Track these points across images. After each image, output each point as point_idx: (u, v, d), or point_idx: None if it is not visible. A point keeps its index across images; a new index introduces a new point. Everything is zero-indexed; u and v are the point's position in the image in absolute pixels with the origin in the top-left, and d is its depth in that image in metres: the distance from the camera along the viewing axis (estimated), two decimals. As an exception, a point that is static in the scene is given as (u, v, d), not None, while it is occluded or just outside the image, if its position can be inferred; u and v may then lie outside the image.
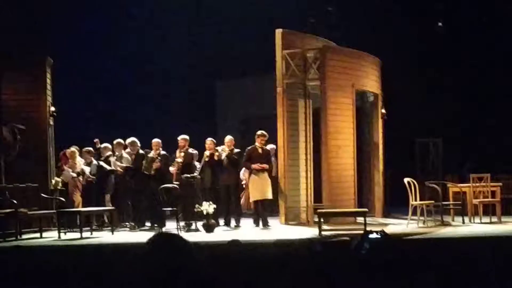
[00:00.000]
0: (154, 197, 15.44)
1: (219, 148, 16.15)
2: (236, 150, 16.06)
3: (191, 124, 19.12)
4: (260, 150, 15.75)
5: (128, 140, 16.38)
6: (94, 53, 21.34)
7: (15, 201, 14.50)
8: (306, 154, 16.49)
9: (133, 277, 2.94)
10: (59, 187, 16.26)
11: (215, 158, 15.95)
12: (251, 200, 15.82)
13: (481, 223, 15.45)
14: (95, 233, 14.81)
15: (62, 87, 17.85)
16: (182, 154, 16.07)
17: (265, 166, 15.70)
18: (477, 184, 16.13)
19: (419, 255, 6.56)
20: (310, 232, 13.88)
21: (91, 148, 16.75)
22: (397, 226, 15.26)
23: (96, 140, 17.08)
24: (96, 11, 21.52)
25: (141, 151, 16.26)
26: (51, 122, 16.89)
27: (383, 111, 18.06)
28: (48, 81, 16.97)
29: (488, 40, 21.98)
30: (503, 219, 15.65)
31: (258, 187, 15.65)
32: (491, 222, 15.44)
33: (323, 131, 16.03)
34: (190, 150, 16.21)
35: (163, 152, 16.06)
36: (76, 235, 14.32)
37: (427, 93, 22.28)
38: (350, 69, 16.76)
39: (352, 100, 16.61)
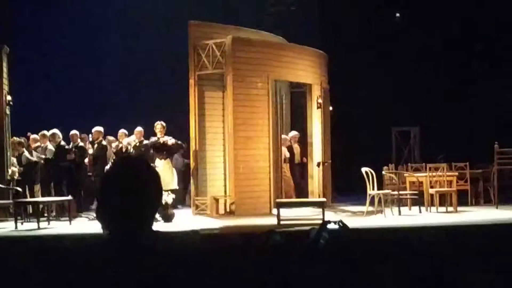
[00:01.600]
0: (72, 187, 16.01)
1: (125, 140, 16.24)
2: (145, 142, 16.04)
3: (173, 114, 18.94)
4: (161, 140, 15.64)
5: (49, 132, 16.61)
6: (59, 40, 21.25)
7: (-29, 191, 14.33)
8: (224, 145, 16.56)
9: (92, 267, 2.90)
10: (15, 177, 16.11)
11: (123, 150, 16.02)
12: None
13: (438, 212, 15.63)
14: (52, 223, 14.70)
15: (19, 75, 17.71)
16: (95, 146, 16.34)
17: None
18: (434, 174, 16.32)
19: (376, 245, 6.65)
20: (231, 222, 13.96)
21: (22, 140, 16.79)
22: (354, 216, 15.39)
23: (29, 134, 17.22)
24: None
25: (62, 143, 16.47)
26: (7, 111, 16.67)
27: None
28: (5, 69, 16.72)
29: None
30: (461, 208, 15.90)
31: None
32: (447, 212, 15.64)
33: (229, 122, 16.03)
34: (104, 142, 16.42)
35: (80, 144, 16.43)
36: (34, 225, 14.17)
37: (401, 82, 22.48)
38: (267, 60, 16.58)
39: (267, 91, 16.48)
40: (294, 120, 19.51)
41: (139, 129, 16.23)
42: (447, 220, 13.94)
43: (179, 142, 15.84)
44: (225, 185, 16.41)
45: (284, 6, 22.56)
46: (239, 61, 16.11)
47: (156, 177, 2.98)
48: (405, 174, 17.10)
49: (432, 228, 12.43)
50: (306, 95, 18.18)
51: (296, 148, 18.56)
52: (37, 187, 16.44)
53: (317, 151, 18.01)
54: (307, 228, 10.51)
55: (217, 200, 16.06)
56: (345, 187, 20.14)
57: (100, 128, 16.55)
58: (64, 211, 15.63)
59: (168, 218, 14.75)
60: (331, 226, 5.96)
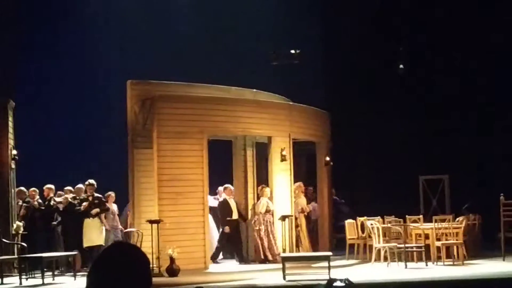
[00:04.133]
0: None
1: (60, 198, 16.74)
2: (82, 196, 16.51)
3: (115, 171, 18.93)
4: (90, 198, 16.05)
5: (17, 189, 16.85)
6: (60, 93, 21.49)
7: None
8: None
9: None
10: (20, 232, 16.08)
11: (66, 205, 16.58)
12: (84, 245, 15.82)
13: (444, 265, 15.47)
14: (57, 279, 14.61)
15: (24, 129, 17.86)
16: (46, 203, 16.86)
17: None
18: (440, 226, 16.21)
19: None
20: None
21: None
22: (360, 269, 15.29)
23: None
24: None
25: (27, 199, 16.83)
26: (13, 166, 16.70)
27: (284, 153, 17.72)
28: (10, 124, 16.78)
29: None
30: (468, 261, 15.82)
31: (88, 233, 15.89)
32: (454, 265, 15.50)
33: (155, 178, 16.03)
34: (56, 197, 16.86)
35: (37, 202, 16.81)
36: (38, 281, 14.10)
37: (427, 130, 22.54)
38: (201, 115, 16.57)
39: (202, 146, 16.42)
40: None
41: (78, 186, 16.83)
42: (454, 274, 13.81)
43: (99, 208, 16.23)
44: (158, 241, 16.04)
45: (286, 60, 22.72)
46: (166, 117, 16.25)
47: (147, 262, 2.96)
48: (410, 226, 16.98)
49: (438, 282, 12.33)
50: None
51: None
52: None
53: (281, 204, 17.64)
54: (313, 283, 10.46)
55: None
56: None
57: (51, 185, 16.96)
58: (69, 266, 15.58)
59: (173, 272, 14.69)
60: (337, 283, 5.91)
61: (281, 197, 17.78)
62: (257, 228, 17.22)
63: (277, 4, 23.06)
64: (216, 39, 22.74)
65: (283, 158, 17.79)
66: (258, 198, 17.54)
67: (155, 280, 13.57)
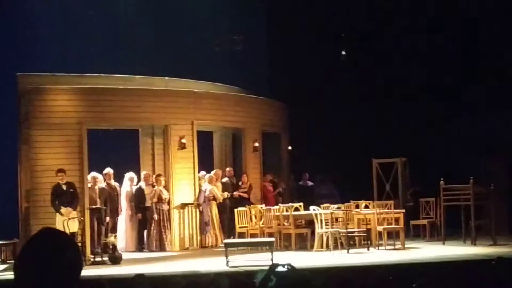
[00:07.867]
0: None
1: None
2: None
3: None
4: (64, 187, 15.59)
5: None
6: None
7: None
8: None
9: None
10: None
11: None
12: None
13: (386, 249, 15.69)
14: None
15: None
16: None
17: None
18: (381, 211, 16.41)
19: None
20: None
21: None
22: (301, 254, 15.37)
23: None
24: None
25: None
26: None
27: (183, 141, 17.74)
28: None
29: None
30: (411, 244, 16.09)
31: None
32: (395, 249, 15.71)
33: (29, 169, 16.12)
34: None
35: None
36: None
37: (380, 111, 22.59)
38: (79, 106, 16.65)
39: (80, 137, 16.39)
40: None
41: None
42: (394, 258, 13.99)
43: None
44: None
45: (231, 46, 22.65)
46: (41, 109, 16.33)
47: (76, 246, 2.91)
48: (352, 212, 17.11)
49: (382, 266, 12.45)
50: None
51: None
52: None
53: (180, 193, 17.63)
54: (255, 269, 10.46)
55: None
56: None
57: None
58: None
59: (115, 260, 14.62)
60: (279, 269, 5.92)
61: (181, 186, 17.70)
62: (150, 217, 17.17)
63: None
64: (158, 29, 22.46)
65: (182, 146, 17.72)
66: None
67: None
